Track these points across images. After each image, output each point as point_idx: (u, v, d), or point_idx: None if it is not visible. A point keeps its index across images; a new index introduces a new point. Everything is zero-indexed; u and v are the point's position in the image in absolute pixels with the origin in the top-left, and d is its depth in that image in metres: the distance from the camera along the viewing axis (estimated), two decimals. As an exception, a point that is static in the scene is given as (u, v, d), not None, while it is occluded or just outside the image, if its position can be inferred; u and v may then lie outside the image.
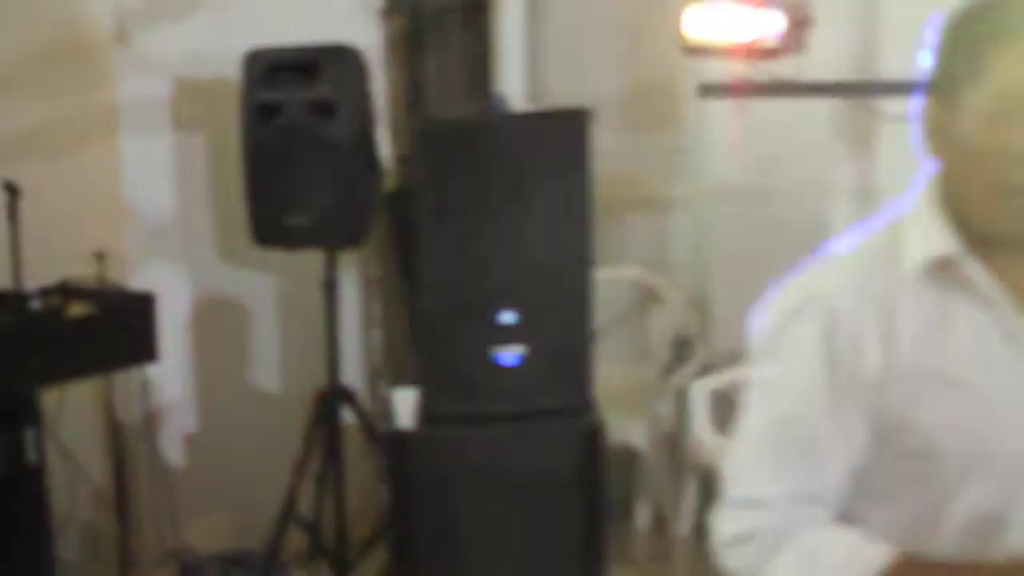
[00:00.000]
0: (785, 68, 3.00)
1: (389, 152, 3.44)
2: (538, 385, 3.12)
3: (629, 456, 3.60)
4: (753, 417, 1.52)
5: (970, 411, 1.43)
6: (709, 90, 3.00)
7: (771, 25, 2.97)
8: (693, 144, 3.57)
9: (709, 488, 2.47)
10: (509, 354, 3.08)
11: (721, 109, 3.17)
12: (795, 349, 1.46)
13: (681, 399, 3.52)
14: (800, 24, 2.99)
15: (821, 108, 3.27)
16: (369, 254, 3.57)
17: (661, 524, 3.72)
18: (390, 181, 3.42)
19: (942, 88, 1.43)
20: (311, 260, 3.29)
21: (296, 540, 3.40)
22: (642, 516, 3.72)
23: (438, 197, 3.08)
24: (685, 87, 3.17)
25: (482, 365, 3.10)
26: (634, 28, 3.30)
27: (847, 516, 1.47)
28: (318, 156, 3.18)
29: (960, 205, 1.43)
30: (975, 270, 1.43)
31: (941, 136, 1.43)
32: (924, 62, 1.45)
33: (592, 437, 3.15)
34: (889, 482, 1.47)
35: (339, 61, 3.19)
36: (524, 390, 3.12)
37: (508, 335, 3.08)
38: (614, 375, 3.51)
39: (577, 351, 3.14)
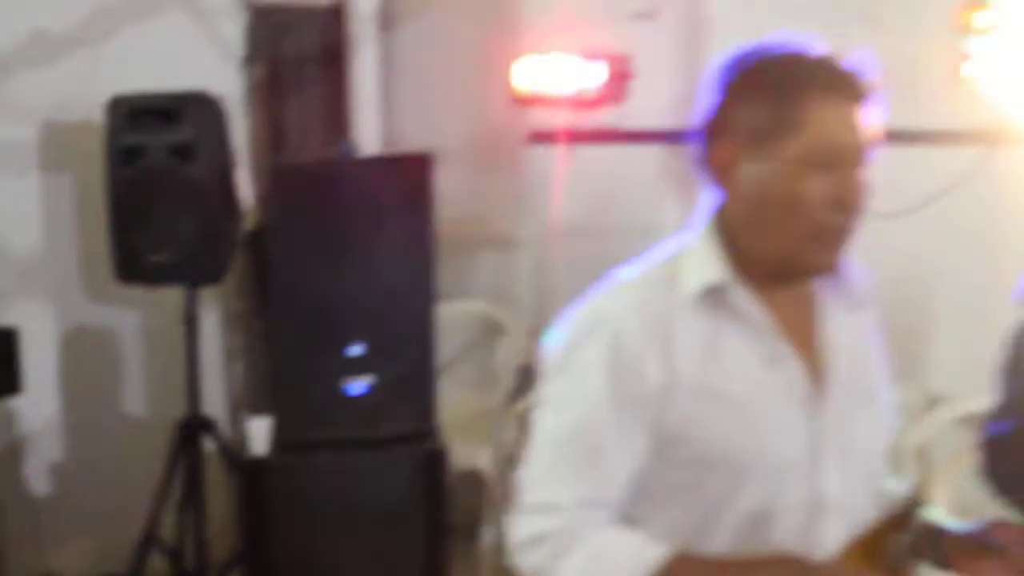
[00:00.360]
0: (608, 117, 3.26)
1: (251, 193, 3.61)
2: (384, 413, 3.32)
3: (476, 480, 3.78)
4: (545, 429, 1.60)
5: (738, 425, 1.55)
6: (538, 137, 3.24)
7: (594, 77, 3.23)
8: (531, 186, 3.81)
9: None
10: (357, 384, 3.28)
11: (553, 154, 3.42)
12: (583, 367, 1.55)
13: (524, 424, 3.69)
14: (622, 76, 3.26)
15: (648, 153, 3.53)
16: (231, 289, 3.73)
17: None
18: (251, 220, 3.59)
19: (743, 134, 1.53)
20: (174, 295, 3.44)
21: (158, 564, 3.51)
22: (488, 538, 3.89)
23: (291, 235, 3.26)
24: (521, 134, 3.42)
25: (332, 394, 3.30)
26: (479, 78, 3.54)
27: (631, 519, 1.57)
28: (179, 197, 3.32)
29: (748, 241, 1.55)
30: (742, 298, 1.55)
31: (735, 179, 1.53)
32: (709, 108, 1.55)
33: (435, 461, 3.35)
34: (668, 488, 1.57)
35: (199, 106, 3.35)
36: (371, 418, 3.32)
37: (356, 366, 3.28)
38: (461, 403, 3.71)
39: (421, 380, 3.35)
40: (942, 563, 1.61)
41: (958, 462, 2.84)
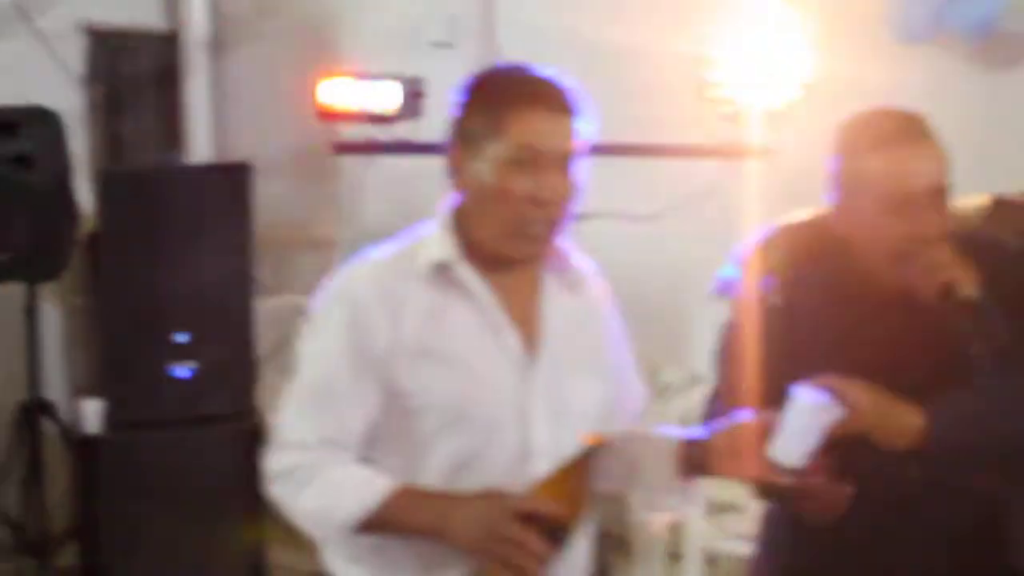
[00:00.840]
0: (404, 131, 3.70)
1: (90, 200, 3.98)
2: (207, 395, 3.69)
3: None
4: (298, 380, 1.83)
5: (456, 382, 1.78)
6: (341, 148, 3.67)
7: (390, 96, 3.66)
8: (346, 193, 4.24)
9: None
10: (182, 368, 3.65)
11: (364, 164, 3.86)
12: (327, 328, 1.80)
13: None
14: (415, 95, 3.70)
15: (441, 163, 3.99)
16: (72, 285, 4.08)
17: None
18: (91, 223, 3.96)
19: (467, 138, 1.76)
20: (18, 290, 3.78)
21: (2, 536, 3.86)
22: None
23: (121, 235, 3.63)
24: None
25: (158, 378, 3.66)
26: (297, 97, 3.95)
27: (367, 459, 1.80)
28: (18, 202, 3.66)
29: (472, 229, 1.78)
30: (467, 274, 1.78)
31: (463, 176, 1.76)
32: (452, 115, 1.76)
33: (254, 439, 3.66)
34: (393, 433, 1.80)
35: (37, 120, 3.71)
36: (195, 399, 3.69)
37: (181, 352, 3.65)
38: (279, 387, 4.07)
39: (241, 366, 3.74)
40: (701, 470, 1.86)
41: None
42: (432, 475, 1.79)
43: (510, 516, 1.70)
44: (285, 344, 4.32)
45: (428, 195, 4.21)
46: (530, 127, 1.74)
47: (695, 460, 1.85)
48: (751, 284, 2.14)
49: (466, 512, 1.73)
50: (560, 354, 1.85)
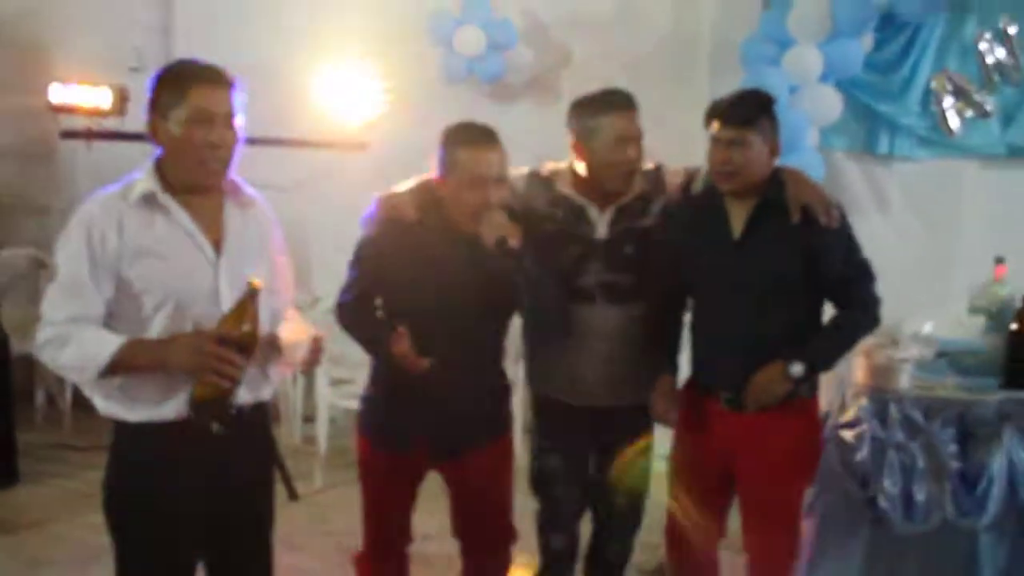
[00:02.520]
0: (112, 124, 5.08)
1: None
2: None
3: (28, 360, 5.24)
4: (54, 280, 2.31)
5: (166, 271, 2.28)
6: (67, 135, 4.99)
7: (103, 97, 5.04)
8: (64, 171, 5.53)
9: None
10: None
11: (77, 148, 5.17)
12: (72, 241, 2.27)
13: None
14: (122, 99, 5.07)
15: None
16: None
17: (52, 401, 5.56)
18: None
19: (160, 108, 2.25)
20: None
21: None
22: (39, 397, 5.54)
23: None
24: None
25: None
26: (28, 98, 5.18)
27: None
28: None
29: (168, 171, 2.28)
30: (167, 200, 2.29)
31: (159, 135, 2.25)
32: (149, 96, 2.27)
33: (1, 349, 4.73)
34: (123, 314, 2.30)
35: None
36: None
37: None
38: (20, 314, 5.09)
39: None
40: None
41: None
42: (151, 335, 2.31)
43: (210, 340, 2.21)
44: (13, 285, 5.45)
45: (127, 169, 5.51)
46: (203, 95, 2.26)
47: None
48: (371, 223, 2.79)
49: (179, 345, 2.25)
50: (237, 251, 2.37)
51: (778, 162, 2.87)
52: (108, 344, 2.24)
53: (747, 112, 2.78)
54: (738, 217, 2.82)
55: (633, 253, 2.92)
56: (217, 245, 2.36)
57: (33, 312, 5.24)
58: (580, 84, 3.10)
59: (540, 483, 3.11)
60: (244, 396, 2.36)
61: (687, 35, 5.17)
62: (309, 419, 5.19)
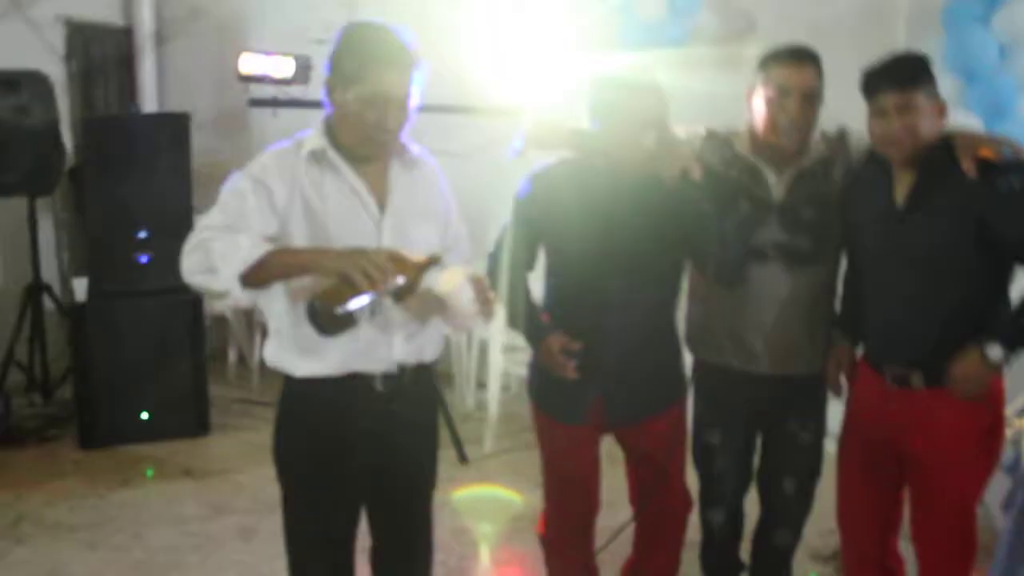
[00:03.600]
0: (297, 92, 5.21)
1: (70, 141, 5.32)
2: (163, 275, 4.75)
3: (223, 320, 5.69)
4: (220, 199, 2.28)
5: (327, 227, 2.27)
6: (254, 103, 5.16)
7: (287, 67, 5.18)
8: (255, 137, 5.73)
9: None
10: (143, 256, 4.94)
11: (266, 116, 5.33)
12: (242, 180, 2.26)
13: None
14: (305, 67, 5.19)
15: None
16: (61, 203, 5.41)
17: (243, 359, 5.85)
18: (73, 159, 5.30)
19: (339, 74, 2.23)
20: (20, 203, 5.10)
21: (17, 377, 5.18)
22: (231, 355, 5.84)
23: (97, 165, 4.85)
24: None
25: (127, 262, 4.90)
26: (219, 66, 5.39)
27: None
28: (19, 139, 4.91)
29: (337, 133, 2.28)
30: (335, 158, 2.30)
31: (334, 98, 2.24)
32: (330, 55, 2.24)
33: (196, 307, 4.95)
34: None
35: (33, 81, 4.98)
36: (153, 278, 4.88)
37: (142, 245, 4.92)
38: None
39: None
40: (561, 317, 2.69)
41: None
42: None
43: (368, 252, 2.16)
44: None
45: None
46: (383, 81, 2.24)
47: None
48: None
49: (334, 251, 2.19)
50: (402, 210, 2.38)
51: (956, 127, 2.70)
52: (259, 244, 2.18)
53: (909, 73, 2.60)
54: (903, 185, 2.64)
55: (812, 216, 2.80)
56: (382, 204, 2.36)
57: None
58: (764, 51, 2.94)
59: (700, 457, 3.03)
60: (406, 354, 2.37)
61: (883, -3, 4.89)
62: (482, 385, 5.27)
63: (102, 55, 5.46)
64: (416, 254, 2.24)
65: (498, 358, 4.91)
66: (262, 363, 5.06)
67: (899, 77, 2.58)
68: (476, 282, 2.33)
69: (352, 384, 2.35)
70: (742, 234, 2.75)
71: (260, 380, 5.68)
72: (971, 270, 2.58)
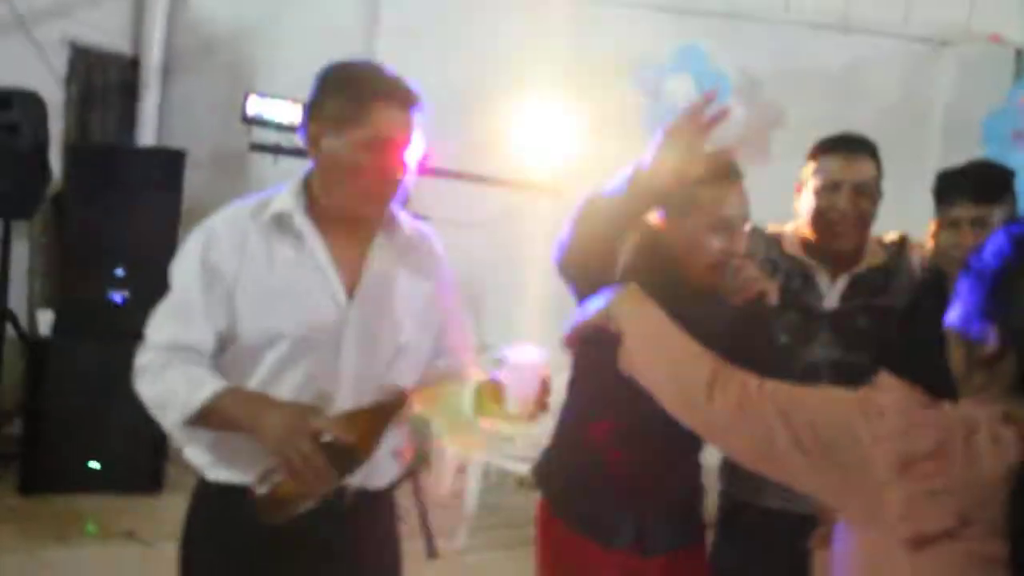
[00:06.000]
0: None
1: (62, 166, 5.04)
2: (136, 316, 4.44)
3: None
4: (169, 295, 2.03)
5: (282, 308, 1.96)
6: (256, 147, 4.94)
7: (294, 113, 4.93)
8: (254, 182, 5.45)
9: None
10: (118, 295, 4.71)
11: (266, 161, 5.12)
12: (189, 255, 2.02)
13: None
14: None
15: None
16: (39, 229, 5.14)
17: None
18: (59, 185, 5.00)
19: (329, 119, 1.90)
20: None
21: None
22: None
23: (83, 194, 4.67)
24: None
25: (100, 299, 4.68)
26: (224, 106, 5.18)
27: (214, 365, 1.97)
28: (4, 159, 4.62)
29: (320, 192, 1.97)
30: (303, 224, 1.98)
31: (318, 149, 1.94)
32: (307, 102, 1.93)
33: None
34: (229, 345, 1.98)
35: (26, 100, 4.71)
36: (125, 318, 4.53)
37: (118, 283, 4.70)
38: None
39: (160, 299, 4.78)
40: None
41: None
42: (257, 379, 2.00)
43: (308, 432, 1.81)
44: None
45: None
46: (388, 120, 1.93)
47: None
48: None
49: (276, 418, 1.86)
50: (374, 299, 2.03)
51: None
52: (203, 388, 1.92)
53: (995, 188, 2.41)
54: None
55: (868, 328, 2.50)
56: (351, 288, 2.03)
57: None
58: (793, 147, 2.79)
59: None
60: (353, 481, 1.98)
61: (920, 104, 4.75)
62: (462, 470, 4.91)
63: (104, 82, 5.28)
64: (386, 391, 1.93)
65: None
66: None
67: (982, 190, 2.39)
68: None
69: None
70: (785, 364, 2.39)
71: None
72: None
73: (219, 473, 2.04)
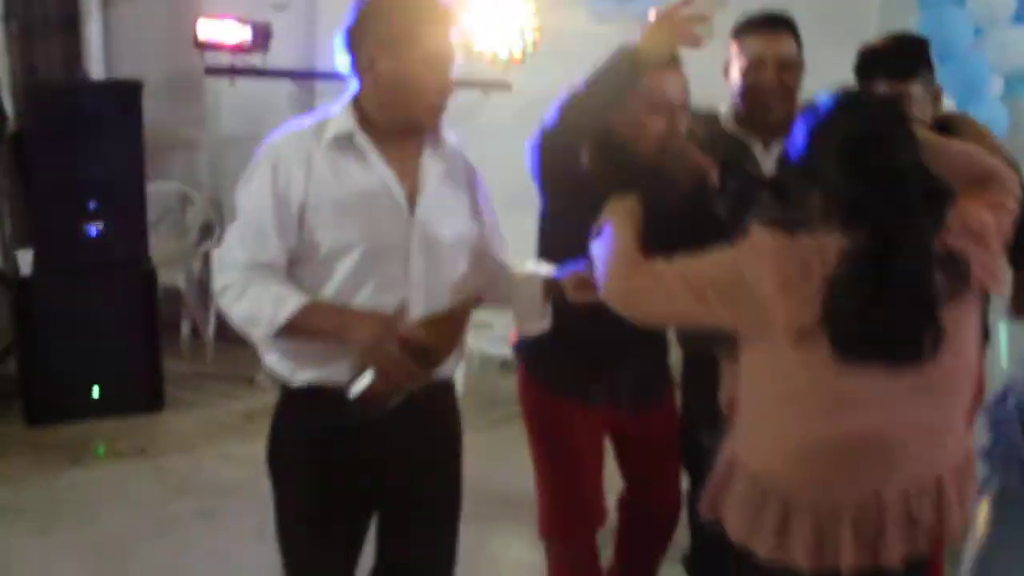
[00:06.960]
0: (256, 60, 5.06)
1: (11, 108, 5.10)
2: (112, 248, 4.73)
3: (175, 293, 5.51)
4: (236, 218, 2.12)
5: (352, 222, 2.07)
6: (210, 71, 4.99)
7: (241, 33, 4.99)
8: (209, 106, 5.57)
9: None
10: (92, 227, 4.73)
11: (221, 84, 5.18)
12: (256, 178, 2.09)
13: (207, 258, 5.49)
14: (263, 34, 5.04)
15: (282, 84, 5.37)
16: (3, 168, 5.14)
17: (196, 332, 5.70)
18: (14, 124, 5.07)
19: (384, 42, 2.04)
20: None
21: None
22: (184, 330, 5.67)
23: (41, 133, 4.64)
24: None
25: (75, 234, 4.70)
26: (171, 31, 5.18)
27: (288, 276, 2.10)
28: None
29: (374, 111, 2.09)
30: (363, 142, 2.11)
31: (375, 70, 2.06)
32: (347, 28, 2.07)
33: (148, 281, 4.83)
34: (303, 258, 2.11)
35: None
36: (102, 251, 4.73)
37: (92, 216, 4.72)
38: (164, 246, 5.37)
39: (136, 228, 4.86)
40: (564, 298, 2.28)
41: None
42: (332, 290, 2.13)
43: (393, 335, 2.00)
44: (161, 218, 5.64)
45: (269, 106, 5.58)
46: (439, 40, 2.10)
47: (551, 291, 2.34)
48: None
49: (365, 326, 2.04)
50: (435, 207, 2.19)
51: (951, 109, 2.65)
52: (287, 304, 2.06)
53: (907, 63, 2.54)
54: None
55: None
56: (412, 198, 2.17)
57: (180, 245, 5.44)
58: (733, 22, 2.86)
59: (691, 457, 2.85)
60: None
61: (855, -32, 4.86)
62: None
63: (44, 15, 5.20)
64: (453, 296, 2.14)
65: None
66: (216, 336, 5.41)
67: (897, 68, 2.52)
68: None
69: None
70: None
71: (215, 353, 5.54)
72: None
73: (305, 375, 2.19)
